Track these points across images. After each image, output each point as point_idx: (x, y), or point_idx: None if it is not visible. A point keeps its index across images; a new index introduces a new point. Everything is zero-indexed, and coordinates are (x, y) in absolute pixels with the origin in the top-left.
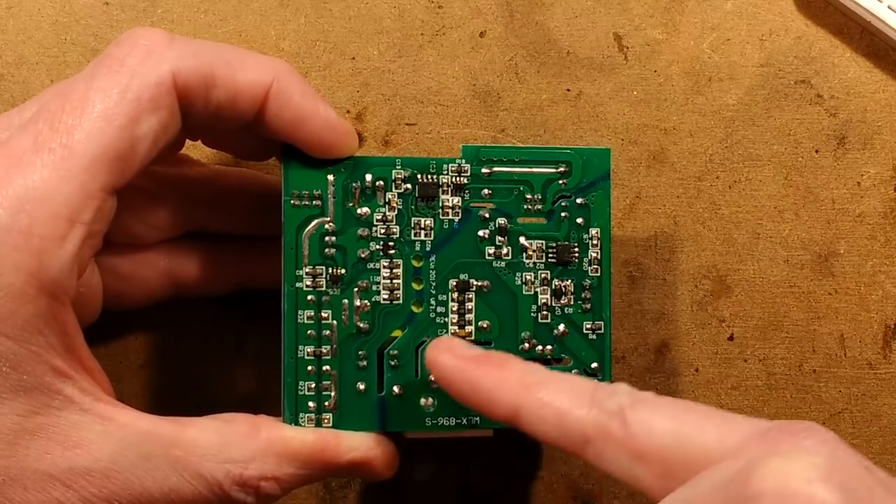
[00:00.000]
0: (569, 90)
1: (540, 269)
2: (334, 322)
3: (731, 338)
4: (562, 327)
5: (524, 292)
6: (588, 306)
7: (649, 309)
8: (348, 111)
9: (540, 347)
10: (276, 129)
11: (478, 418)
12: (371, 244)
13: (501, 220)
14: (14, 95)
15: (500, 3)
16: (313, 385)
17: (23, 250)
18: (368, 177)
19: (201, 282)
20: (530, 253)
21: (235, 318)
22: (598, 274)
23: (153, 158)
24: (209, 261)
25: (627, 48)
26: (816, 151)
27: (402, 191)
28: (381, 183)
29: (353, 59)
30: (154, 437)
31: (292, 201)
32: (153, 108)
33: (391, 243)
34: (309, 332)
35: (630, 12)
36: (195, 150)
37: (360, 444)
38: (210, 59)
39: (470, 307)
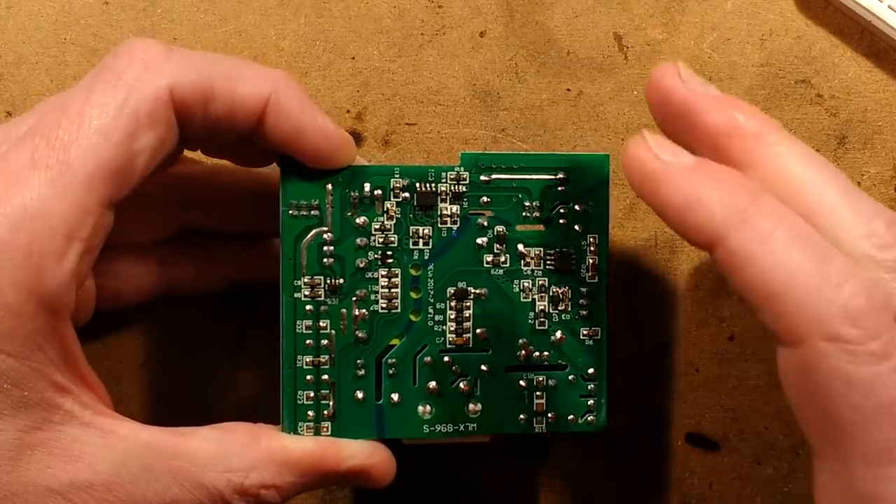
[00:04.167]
0: (569, 90)
1: (538, 277)
2: (333, 331)
3: (731, 338)
4: (559, 334)
5: (522, 299)
6: (585, 313)
7: (649, 309)
8: (348, 111)
9: (537, 354)
10: (275, 140)
11: (475, 425)
12: (369, 253)
13: (500, 228)
14: (13, 95)
15: (500, 2)
16: (312, 394)
17: (22, 267)
18: (367, 186)
19: (194, 280)
20: (528, 260)
21: (235, 319)
22: (596, 280)
23: (151, 172)
24: (202, 259)
25: (628, 48)
26: (817, 151)
27: (400, 200)
28: (380, 192)
29: (353, 58)
30: (155, 449)
31: (290, 211)
32: (151, 124)
33: (389, 252)
34: (307, 341)
35: (630, 12)
36: None
37: (358, 452)
38: (208, 72)
39: (468, 315)
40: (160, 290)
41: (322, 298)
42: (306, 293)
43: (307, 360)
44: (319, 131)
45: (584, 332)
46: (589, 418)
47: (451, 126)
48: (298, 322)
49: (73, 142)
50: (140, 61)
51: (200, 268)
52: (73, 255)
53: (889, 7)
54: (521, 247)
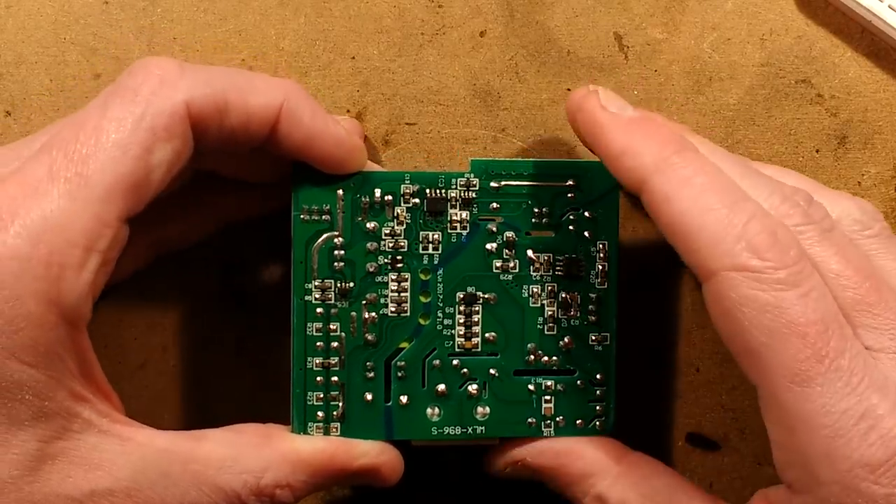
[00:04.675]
0: (569, 90)
1: (547, 282)
2: (343, 334)
3: None
4: (567, 339)
5: (531, 304)
6: (594, 318)
7: (650, 309)
8: (348, 111)
9: (546, 358)
10: (287, 148)
11: (483, 427)
12: (379, 258)
13: (509, 234)
14: (13, 95)
15: (500, 2)
16: (321, 395)
17: (43, 279)
18: (377, 192)
19: (184, 236)
20: (538, 266)
21: (236, 320)
22: (605, 286)
23: (165, 185)
24: (191, 208)
25: (628, 48)
26: (817, 151)
27: (410, 205)
28: (390, 197)
29: (353, 58)
30: (172, 454)
31: (302, 216)
32: (167, 138)
33: (399, 257)
34: (318, 343)
35: (630, 12)
36: None
37: (368, 451)
38: (222, 85)
39: (476, 319)
40: (153, 257)
41: (332, 301)
42: (317, 296)
43: (317, 361)
44: (331, 137)
45: (593, 338)
46: (597, 423)
47: (452, 126)
48: (309, 324)
49: (91, 155)
50: (155, 77)
51: (188, 222)
52: (91, 267)
53: (889, 7)
54: (530, 252)
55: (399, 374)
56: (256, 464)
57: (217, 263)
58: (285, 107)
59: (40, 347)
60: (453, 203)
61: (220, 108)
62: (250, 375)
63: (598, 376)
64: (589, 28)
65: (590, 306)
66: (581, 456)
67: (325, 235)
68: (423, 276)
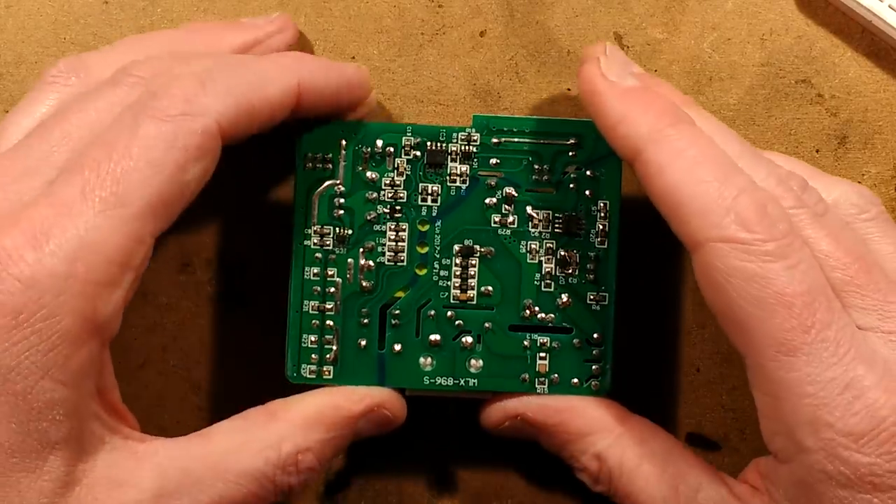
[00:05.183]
0: (569, 90)
1: (546, 239)
2: (339, 280)
3: None
4: (565, 297)
5: (528, 260)
6: (593, 277)
7: (649, 308)
8: None
9: (542, 315)
10: (308, 112)
11: (475, 380)
12: (378, 207)
13: (509, 189)
14: (13, 95)
15: (500, 2)
16: (316, 338)
17: (80, 296)
18: (379, 143)
19: None
20: (536, 222)
21: (235, 319)
22: (605, 246)
23: (195, 197)
24: None
25: (628, 48)
26: (817, 151)
27: (410, 157)
28: (391, 149)
29: (353, 58)
30: (186, 455)
31: (306, 164)
32: (199, 155)
33: (398, 207)
34: (315, 288)
35: (630, 12)
36: None
37: (369, 392)
38: (243, 90)
39: (473, 272)
40: None
41: (330, 247)
42: (315, 241)
43: (313, 305)
44: (349, 89)
45: (591, 297)
46: (593, 383)
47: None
48: (306, 269)
49: (124, 174)
50: (180, 97)
51: None
52: (125, 284)
53: (889, 7)
54: (529, 209)
55: (393, 322)
56: (270, 439)
57: (217, 263)
58: (302, 83)
59: (73, 365)
60: (453, 157)
61: (249, 112)
62: (250, 375)
63: (595, 336)
64: (589, 28)
65: (588, 265)
66: (582, 414)
67: (326, 183)
68: (420, 227)
